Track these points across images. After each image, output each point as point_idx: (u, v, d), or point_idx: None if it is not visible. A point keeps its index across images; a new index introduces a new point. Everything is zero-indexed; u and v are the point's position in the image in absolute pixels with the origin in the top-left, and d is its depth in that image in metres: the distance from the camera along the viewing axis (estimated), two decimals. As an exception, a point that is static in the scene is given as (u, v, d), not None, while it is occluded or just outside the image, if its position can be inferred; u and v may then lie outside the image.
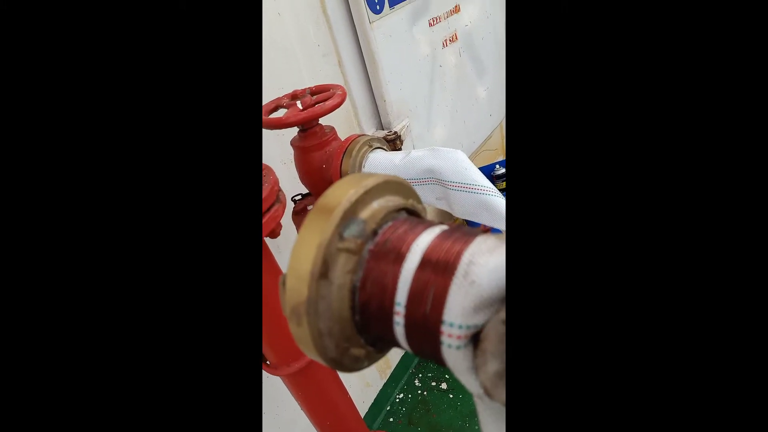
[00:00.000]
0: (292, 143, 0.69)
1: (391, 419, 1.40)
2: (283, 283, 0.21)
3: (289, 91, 0.70)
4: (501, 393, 0.16)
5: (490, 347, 0.16)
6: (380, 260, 0.20)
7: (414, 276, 0.19)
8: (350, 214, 0.21)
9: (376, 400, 1.38)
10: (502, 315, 0.17)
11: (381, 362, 1.40)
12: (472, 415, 1.34)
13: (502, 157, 1.75)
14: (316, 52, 0.96)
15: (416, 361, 1.56)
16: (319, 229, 0.20)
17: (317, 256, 0.19)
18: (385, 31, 1.08)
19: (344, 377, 0.79)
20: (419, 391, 1.46)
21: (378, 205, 0.22)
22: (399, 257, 0.20)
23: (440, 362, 0.19)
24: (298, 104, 0.65)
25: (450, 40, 1.35)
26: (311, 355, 0.21)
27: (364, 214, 0.21)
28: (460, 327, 0.17)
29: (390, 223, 0.22)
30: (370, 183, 0.21)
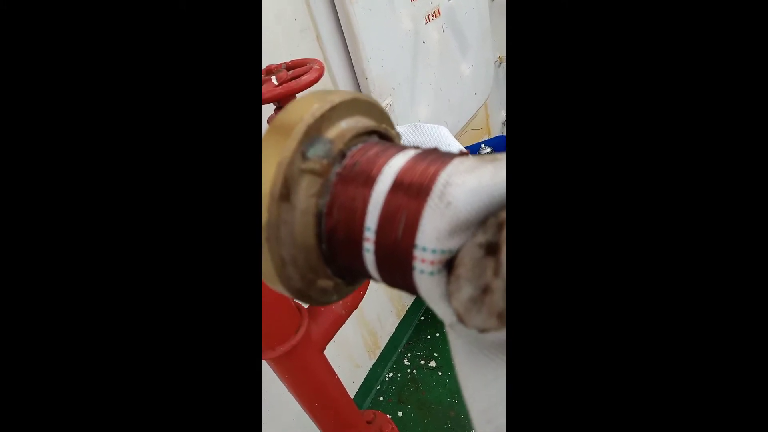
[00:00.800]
0: (268, 122, 0.66)
1: (381, 398, 1.41)
2: None
3: (264, 67, 0.68)
4: (474, 318, 0.16)
5: (464, 273, 0.15)
6: (348, 184, 0.18)
7: (385, 199, 0.17)
8: (314, 131, 0.19)
9: (365, 380, 1.40)
10: (479, 239, 0.15)
11: (370, 342, 1.41)
12: (460, 391, 1.36)
13: (487, 137, 1.74)
14: (293, 27, 0.93)
15: (405, 340, 1.58)
16: (278, 146, 0.18)
17: (277, 176, 0.18)
18: (365, 4, 1.04)
19: (332, 359, 0.79)
20: (408, 370, 1.48)
21: (346, 125, 0.20)
22: (369, 180, 0.18)
23: (412, 290, 0.18)
24: (273, 80, 0.62)
25: (433, 16, 1.32)
26: (275, 286, 0.19)
27: (331, 133, 0.19)
28: (434, 251, 0.16)
29: (359, 146, 0.20)
30: (336, 98, 0.19)
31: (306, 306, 0.75)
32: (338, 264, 0.20)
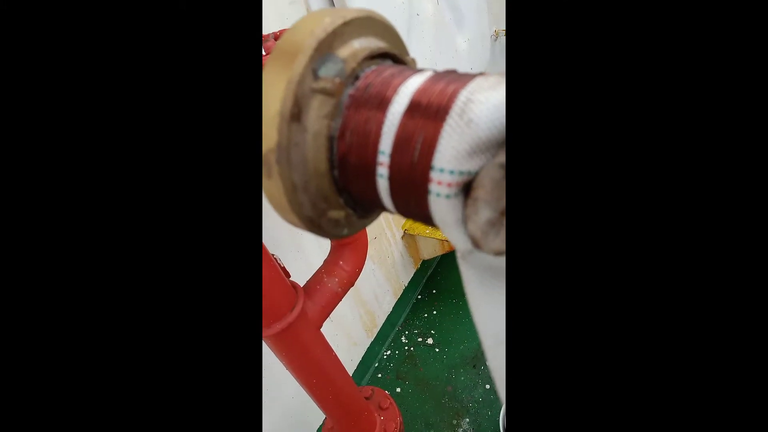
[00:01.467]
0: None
1: (380, 375, 1.43)
2: None
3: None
4: (491, 242, 0.15)
5: (483, 195, 0.15)
6: (362, 106, 0.18)
7: (401, 120, 0.16)
8: (325, 48, 0.17)
9: (363, 358, 1.41)
10: (500, 159, 0.14)
11: (367, 321, 1.42)
12: (457, 366, 1.38)
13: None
14: (282, 0, 0.89)
15: (403, 318, 1.59)
16: (288, 63, 0.17)
17: (287, 94, 0.17)
18: (357, -26, 1.00)
19: (330, 338, 0.79)
20: (406, 347, 1.49)
21: (359, 45, 0.18)
22: (383, 102, 0.17)
23: (426, 219, 0.17)
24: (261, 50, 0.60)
25: (427, -14, 1.27)
26: (283, 213, 0.19)
27: (343, 52, 0.18)
28: (452, 173, 0.15)
29: (373, 68, 0.19)
30: (350, 14, 0.18)
31: (302, 285, 0.74)
32: (351, 192, 0.19)
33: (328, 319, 0.76)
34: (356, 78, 0.18)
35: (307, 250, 1.08)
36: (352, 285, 0.79)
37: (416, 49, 1.28)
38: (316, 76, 0.17)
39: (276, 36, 0.64)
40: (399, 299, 1.58)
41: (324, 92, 0.17)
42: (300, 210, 0.18)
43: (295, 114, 0.17)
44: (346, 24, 0.18)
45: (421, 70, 0.18)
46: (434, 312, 1.59)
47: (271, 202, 0.18)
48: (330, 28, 0.17)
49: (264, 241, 0.67)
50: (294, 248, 1.05)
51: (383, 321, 1.50)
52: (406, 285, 1.62)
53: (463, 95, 0.15)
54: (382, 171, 0.17)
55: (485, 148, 0.15)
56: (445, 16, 1.40)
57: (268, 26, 0.86)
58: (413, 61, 0.21)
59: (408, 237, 1.54)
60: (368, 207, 0.20)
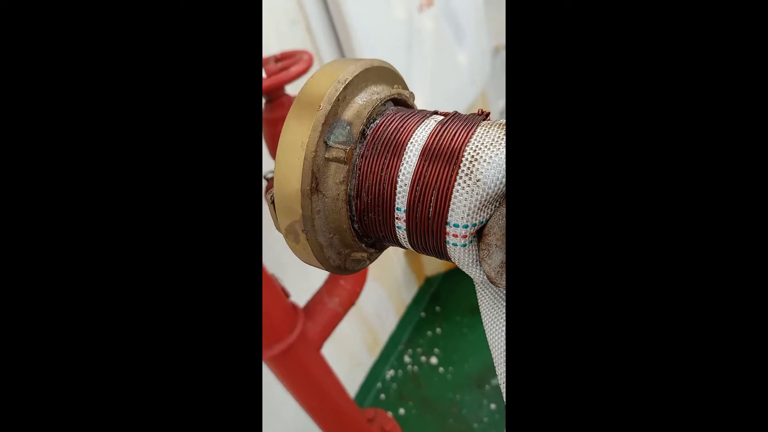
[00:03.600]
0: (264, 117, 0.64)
1: (382, 396, 1.40)
2: (272, 201, 0.20)
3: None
4: (504, 280, 0.17)
5: (494, 240, 0.16)
6: (374, 164, 0.19)
7: (413, 179, 0.18)
8: (332, 117, 0.19)
9: (366, 378, 1.38)
10: (505, 207, 0.16)
11: (370, 340, 1.39)
12: (462, 387, 1.34)
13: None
14: (283, 20, 0.90)
15: (406, 337, 1.56)
16: (300, 138, 0.18)
17: (305, 171, 0.18)
18: (357, -6, 1.01)
19: (332, 358, 0.77)
20: (409, 367, 1.46)
21: (362, 101, 0.20)
22: (394, 161, 0.18)
23: (444, 257, 0.19)
24: (262, 72, 0.60)
25: (426, 4, 1.29)
26: (314, 265, 0.21)
27: (349, 113, 0.19)
28: (465, 227, 0.17)
29: (377, 121, 0.20)
30: (349, 75, 0.19)
31: (302, 306, 0.73)
32: (371, 237, 0.21)
33: (329, 338, 0.74)
34: (364, 135, 0.19)
35: (309, 268, 1.07)
36: (354, 304, 0.78)
37: (417, 65, 1.29)
38: (327, 146, 0.19)
39: (277, 58, 0.64)
40: (402, 317, 1.56)
41: (337, 161, 0.19)
42: (327, 263, 0.20)
43: (314, 187, 0.18)
44: (348, 87, 0.19)
45: (423, 117, 0.19)
46: (438, 330, 1.56)
47: (300, 257, 0.20)
48: (334, 96, 0.18)
49: (264, 260, 0.66)
50: (296, 266, 1.04)
51: (386, 340, 1.48)
52: (409, 303, 1.60)
53: (469, 153, 0.17)
54: (400, 224, 0.19)
55: (493, 200, 0.16)
56: (446, 31, 1.42)
57: (269, 48, 0.86)
58: (411, 95, 0.22)
59: (410, 252, 1.52)
60: (387, 245, 0.22)
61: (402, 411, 1.33)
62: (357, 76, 0.19)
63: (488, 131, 0.17)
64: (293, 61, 0.60)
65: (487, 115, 0.19)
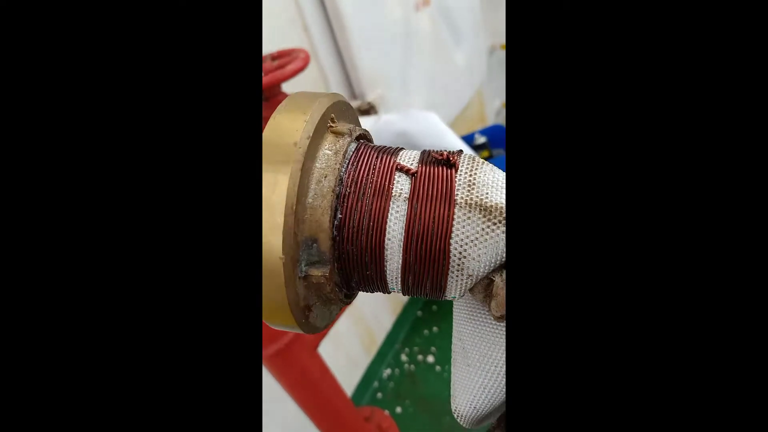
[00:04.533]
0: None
1: (379, 395, 1.40)
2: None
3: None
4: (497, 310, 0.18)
5: (500, 300, 0.18)
6: (357, 265, 0.19)
7: (401, 274, 0.18)
8: (301, 236, 0.18)
9: (363, 377, 1.38)
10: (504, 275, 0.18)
11: (366, 339, 1.40)
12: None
13: (481, 126, 1.72)
14: (280, 19, 0.90)
15: (402, 336, 1.56)
16: (274, 268, 0.18)
17: (294, 309, 0.18)
18: (353, -7, 1.01)
19: (328, 358, 0.77)
20: (406, 366, 1.47)
21: (328, 185, 0.18)
22: (376, 258, 0.19)
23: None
24: (258, 70, 0.60)
25: (423, 3, 1.29)
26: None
27: (311, 226, 0.19)
28: (461, 296, 0.19)
29: (339, 213, 0.19)
30: (299, 155, 0.18)
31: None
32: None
33: (325, 338, 0.74)
34: (335, 239, 0.19)
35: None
36: (348, 304, 0.78)
37: (414, 64, 1.29)
38: (303, 273, 0.18)
39: (273, 56, 0.64)
40: (398, 316, 1.56)
41: (319, 288, 0.19)
42: (317, 331, 0.21)
43: (305, 314, 0.19)
44: (306, 173, 0.18)
45: (382, 196, 0.18)
46: (434, 329, 1.56)
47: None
48: (294, 199, 0.18)
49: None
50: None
51: (383, 339, 1.48)
52: (406, 302, 1.60)
53: (456, 248, 0.17)
54: (397, 291, 0.20)
55: (485, 277, 0.18)
56: (443, 32, 1.42)
57: (265, 47, 0.86)
58: (366, 132, 0.21)
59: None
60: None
61: (399, 409, 1.33)
62: (311, 148, 0.18)
63: (469, 216, 0.17)
64: (289, 60, 0.60)
65: (455, 160, 0.18)
